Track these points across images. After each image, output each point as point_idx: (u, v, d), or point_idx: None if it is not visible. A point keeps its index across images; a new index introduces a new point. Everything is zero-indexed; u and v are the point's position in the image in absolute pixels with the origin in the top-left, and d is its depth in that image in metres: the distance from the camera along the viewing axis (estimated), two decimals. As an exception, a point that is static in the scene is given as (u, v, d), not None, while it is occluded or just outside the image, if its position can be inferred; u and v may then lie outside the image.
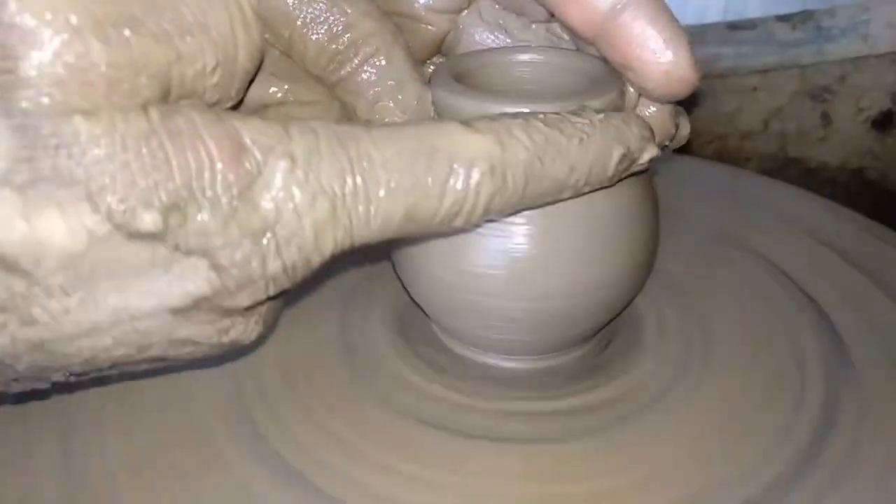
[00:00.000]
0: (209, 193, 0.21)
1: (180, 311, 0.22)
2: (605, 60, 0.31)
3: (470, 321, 0.31)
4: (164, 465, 0.29)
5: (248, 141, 0.22)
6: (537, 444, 0.30)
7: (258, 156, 0.22)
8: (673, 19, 0.28)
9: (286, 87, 0.30)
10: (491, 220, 0.27)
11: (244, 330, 0.25)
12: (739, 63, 0.58)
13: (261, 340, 0.27)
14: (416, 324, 0.35)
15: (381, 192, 0.23)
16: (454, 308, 0.31)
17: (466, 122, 0.25)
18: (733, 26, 0.59)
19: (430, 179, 0.24)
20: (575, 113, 0.26)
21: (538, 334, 0.31)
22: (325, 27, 0.29)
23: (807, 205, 0.45)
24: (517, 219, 0.28)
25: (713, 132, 0.60)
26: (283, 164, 0.22)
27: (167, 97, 0.22)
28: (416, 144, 0.24)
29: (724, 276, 0.38)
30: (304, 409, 0.31)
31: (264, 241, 0.22)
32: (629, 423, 0.30)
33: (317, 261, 0.23)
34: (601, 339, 0.34)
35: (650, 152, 0.27)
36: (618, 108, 0.29)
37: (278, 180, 0.22)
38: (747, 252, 0.40)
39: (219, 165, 0.21)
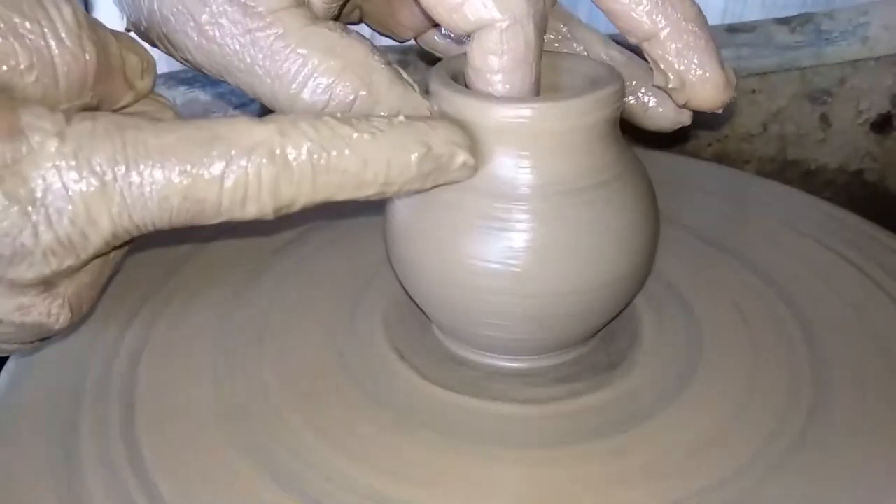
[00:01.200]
0: None
1: None
2: (605, 64, 0.31)
3: (469, 321, 0.31)
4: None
5: (24, 123, 0.24)
6: (537, 445, 0.30)
7: (31, 136, 0.24)
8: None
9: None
10: (293, 212, 0.27)
11: (48, 312, 0.27)
12: (738, 65, 0.58)
13: (72, 326, 0.29)
14: (414, 323, 0.35)
15: (155, 174, 0.25)
16: (453, 307, 0.31)
17: (257, 118, 0.26)
18: (732, 29, 0.60)
19: (207, 162, 0.25)
20: (380, 115, 0.27)
21: (537, 334, 0.31)
22: (289, 77, 0.29)
23: (806, 207, 0.45)
24: (517, 218, 0.29)
25: (712, 134, 0.60)
26: (52, 143, 0.24)
27: None
28: (198, 133, 0.25)
29: (722, 277, 0.38)
30: (300, 411, 0.31)
31: (33, 213, 0.24)
32: (628, 424, 0.30)
33: (95, 236, 0.25)
34: (600, 339, 0.34)
35: (463, 156, 0.28)
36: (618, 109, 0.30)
37: (47, 157, 0.24)
38: (746, 254, 0.40)
39: None
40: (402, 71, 0.30)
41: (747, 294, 0.37)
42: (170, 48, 0.31)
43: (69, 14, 0.26)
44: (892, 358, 0.34)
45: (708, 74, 0.32)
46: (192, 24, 0.29)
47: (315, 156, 0.26)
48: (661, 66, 0.32)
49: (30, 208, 0.24)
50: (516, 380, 0.32)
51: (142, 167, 0.25)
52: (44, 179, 0.24)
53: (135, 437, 0.30)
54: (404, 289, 0.33)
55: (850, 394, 0.32)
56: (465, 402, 0.31)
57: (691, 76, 0.32)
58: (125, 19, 0.32)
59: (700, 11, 0.32)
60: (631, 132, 0.34)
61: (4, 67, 0.25)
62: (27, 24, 0.25)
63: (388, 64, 0.29)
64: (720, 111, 0.33)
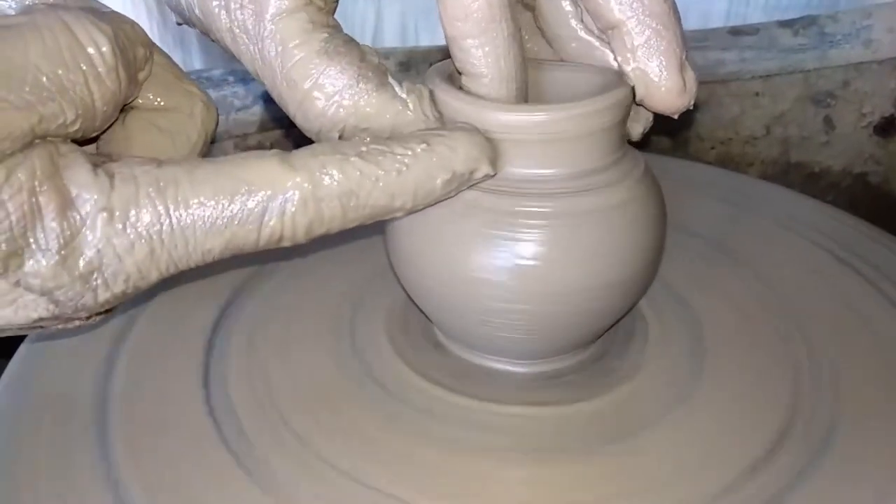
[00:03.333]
0: (42, 243, 0.25)
1: (26, 326, 0.27)
2: (607, 71, 0.31)
3: (472, 323, 0.31)
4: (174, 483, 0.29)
5: (73, 196, 0.25)
6: (539, 448, 0.30)
7: (81, 208, 0.26)
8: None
9: (150, 95, 0.32)
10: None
11: (89, 321, 0.28)
12: (742, 68, 0.58)
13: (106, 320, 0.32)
14: (417, 326, 0.35)
15: (198, 232, 0.26)
16: (456, 311, 0.31)
17: (286, 157, 0.27)
18: (736, 31, 0.60)
19: (245, 216, 0.27)
20: (400, 142, 0.28)
21: (541, 338, 0.31)
22: (286, 98, 0.29)
23: (809, 209, 0.45)
24: (521, 221, 0.29)
25: (716, 137, 0.60)
26: (102, 217, 0.26)
27: (28, 144, 0.25)
28: (234, 184, 0.26)
29: (725, 281, 0.38)
30: (305, 414, 0.31)
31: (93, 281, 0.26)
32: (631, 428, 0.30)
33: (146, 286, 0.27)
34: (604, 343, 0.34)
35: (484, 170, 0.28)
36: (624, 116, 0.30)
37: (98, 232, 0.26)
38: (749, 257, 0.40)
39: (48, 220, 0.25)
40: (396, 87, 0.29)
41: (750, 297, 0.37)
42: (215, 41, 0.31)
43: (108, 50, 0.27)
44: (895, 361, 0.33)
45: (663, 78, 0.31)
46: (216, 25, 0.30)
47: (345, 199, 0.27)
48: (619, 59, 0.31)
49: (90, 279, 0.26)
50: (519, 383, 0.32)
51: (185, 227, 0.26)
52: (99, 252, 0.26)
53: (132, 442, 0.30)
54: (406, 291, 0.33)
55: (853, 398, 0.32)
56: (468, 404, 0.31)
57: (646, 76, 0.31)
58: (174, 16, 0.32)
59: (670, 9, 0.31)
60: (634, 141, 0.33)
61: (54, 126, 0.26)
62: (71, 76, 0.26)
63: (380, 86, 0.29)
64: (675, 116, 0.32)
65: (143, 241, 0.26)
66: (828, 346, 0.34)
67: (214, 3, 0.29)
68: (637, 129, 0.33)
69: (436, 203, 0.29)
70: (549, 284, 0.29)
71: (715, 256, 0.40)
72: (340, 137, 0.29)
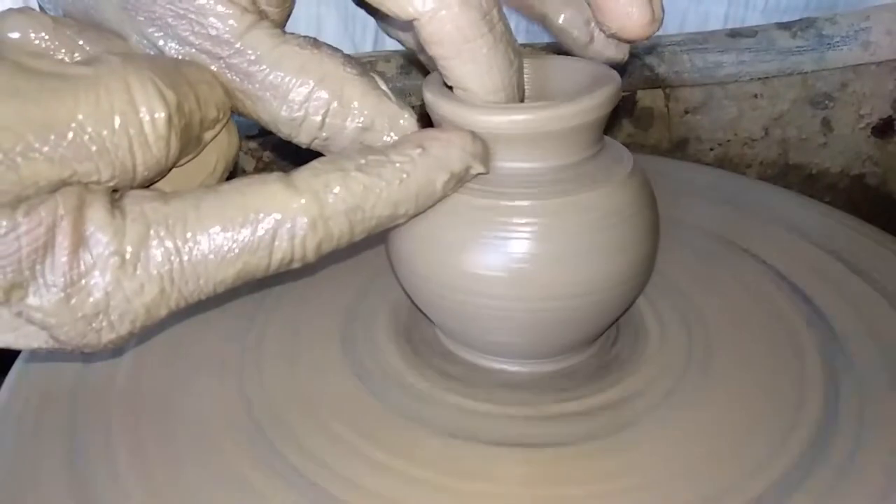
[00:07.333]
0: (49, 279, 0.25)
1: (26, 350, 0.27)
2: (600, 65, 0.31)
3: (471, 324, 0.31)
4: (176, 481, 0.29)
5: (87, 235, 0.25)
6: (539, 447, 0.30)
7: (94, 251, 0.25)
8: None
9: None
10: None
11: (95, 349, 0.27)
12: (740, 70, 0.58)
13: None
14: (417, 326, 0.35)
15: (209, 266, 0.26)
16: (455, 311, 0.31)
17: (289, 180, 0.27)
18: (734, 34, 0.60)
19: (256, 244, 0.26)
20: (396, 150, 0.28)
21: (539, 337, 0.31)
22: (266, 97, 0.29)
23: (807, 210, 0.45)
24: (517, 222, 0.29)
25: (714, 139, 0.60)
26: (113, 261, 0.25)
27: (56, 188, 0.25)
28: (241, 213, 0.26)
29: (724, 281, 0.38)
30: (308, 414, 0.31)
31: (97, 323, 0.26)
32: (631, 427, 0.31)
33: (153, 324, 0.27)
34: (602, 343, 0.34)
35: (477, 168, 0.29)
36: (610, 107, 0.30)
37: (108, 275, 0.25)
38: (748, 258, 0.40)
39: (59, 256, 0.25)
40: (379, 80, 0.30)
41: (749, 298, 0.37)
42: None
43: (162, 118, 0.26)
44: (894, 359, 0.33)
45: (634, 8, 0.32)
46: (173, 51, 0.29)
47: (351, 214, 0.27)
48: None
49: (95, 320, 0.26)
50: (519, 383, 0.32)
51: (196, 263, 0.26)
52: (107, 294, 0.25)
53: (141, 444, 0.30)
54: (406, 293, 0.33)
55: (855, 399, 0.32)
56: (466, 404, 0.31)
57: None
58: None
59: None
60: (633, 143, 0.33)
61: (86, 181, 0.26)
62: (115, 139, 0.25)
63: (363, 74, 0.30)
64: (645, 41, 0.33)
65: (153, 281, 0.26)
66: (827, 347, 0.34)
67: (172, 51, 0.29)
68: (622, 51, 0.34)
69: (435, 204, 0.29)
70: (545, 284, 0.29)
71: (714, 257, 0.40)
72: (323, 124, 0.29)
